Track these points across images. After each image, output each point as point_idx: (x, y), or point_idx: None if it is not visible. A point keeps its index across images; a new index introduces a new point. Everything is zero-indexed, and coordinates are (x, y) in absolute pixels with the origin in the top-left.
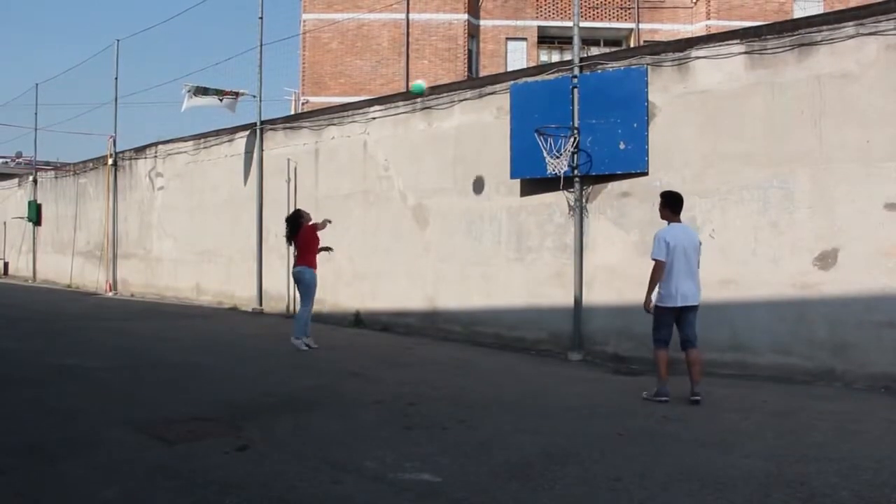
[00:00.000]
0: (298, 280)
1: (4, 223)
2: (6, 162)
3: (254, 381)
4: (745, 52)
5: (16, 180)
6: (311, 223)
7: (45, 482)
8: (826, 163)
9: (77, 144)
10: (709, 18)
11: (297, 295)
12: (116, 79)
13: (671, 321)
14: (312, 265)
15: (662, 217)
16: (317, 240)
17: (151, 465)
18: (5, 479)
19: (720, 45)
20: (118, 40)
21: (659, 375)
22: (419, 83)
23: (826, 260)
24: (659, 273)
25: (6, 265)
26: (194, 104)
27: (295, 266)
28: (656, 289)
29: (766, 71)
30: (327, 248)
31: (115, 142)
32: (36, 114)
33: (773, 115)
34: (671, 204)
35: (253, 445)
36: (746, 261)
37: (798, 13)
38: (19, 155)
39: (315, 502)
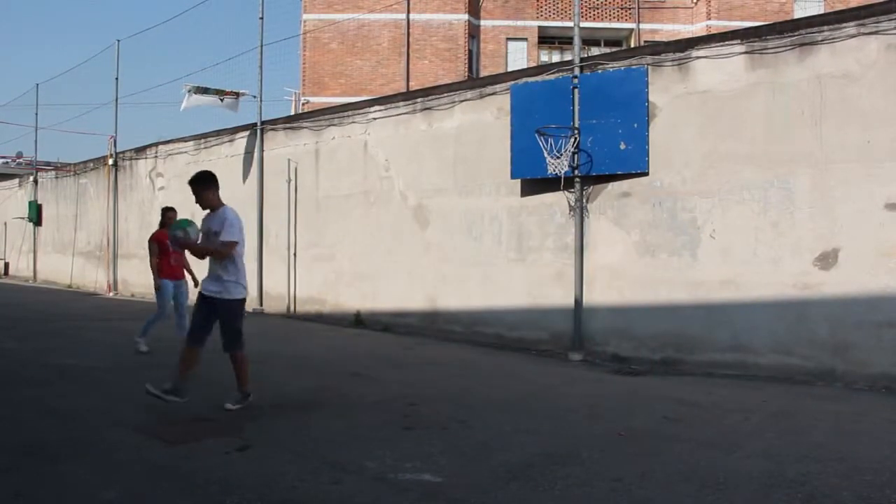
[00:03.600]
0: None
1: (5, 223)
2: (7, 162)
3: (254, 381)
4: (746, 53)
5: (16, 180)
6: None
7: (45, 482)
8: (826, 163)
9: (77, 144)
10: (709, 19)
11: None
12: (117, 79)
13: None
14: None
15: (214, 202)
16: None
17: (152, 466)
18: (6, 479)
19: (721, 46)
20: (118, 40)
21: (245, 380)
22: None
23: (827, 260)
24: (230, 251)
25: (7, 265)
26: (194, 103)
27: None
28: (236, 279)
29: (767, 71)
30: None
31: (115, 142)
32: (37, 114)
33: (774, 115)
34: (217, 186)
35: (253, 446)
36: (747, 261)
37: (798, 13)
38: (20, 155)
39: (316, 503)
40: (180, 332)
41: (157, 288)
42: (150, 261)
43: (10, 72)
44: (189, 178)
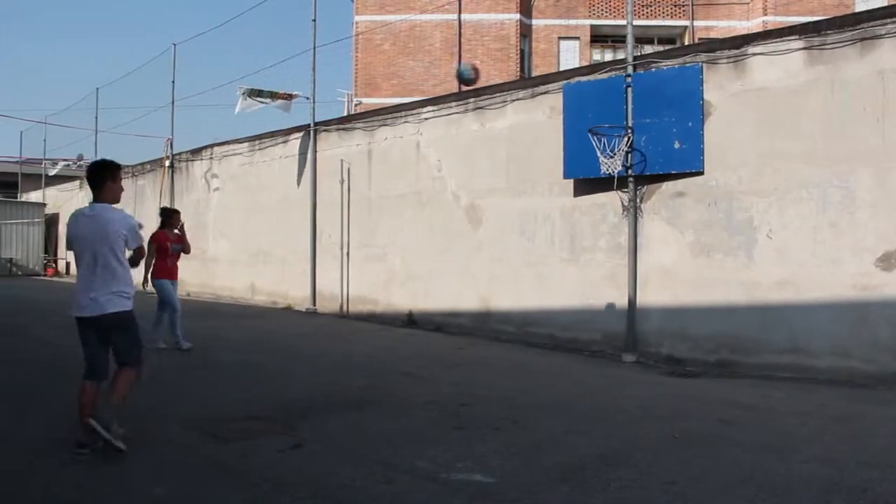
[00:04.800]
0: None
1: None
2: (68, 164)
3: (307, 380)
4: (804, 49)
5: (77, 182)
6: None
7: (101, 476)
8: (889, 161)
9: (135, 146)
10: (765, 14)
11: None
12: (173, 82)
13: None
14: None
15: (118, 198)
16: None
17: (205, 463)
18: (66, 473)
19: (778, 42)
20: (175, 45)
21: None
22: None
23: (889, 260)
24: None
25: (68, 265)
26: (248, 105)
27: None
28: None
29: (826, 67)
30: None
31: (171, 144)
32: (96, 117)
33: (833, 112)
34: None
35: (306, 444)
36: (805, 261)
37: (860, 6)
38: (81, 157)
39: (369, 502)
40: (156, 332)
41: (144, 286)
42: (146, 260)
43: (70, 75)
44: (95, 164)
